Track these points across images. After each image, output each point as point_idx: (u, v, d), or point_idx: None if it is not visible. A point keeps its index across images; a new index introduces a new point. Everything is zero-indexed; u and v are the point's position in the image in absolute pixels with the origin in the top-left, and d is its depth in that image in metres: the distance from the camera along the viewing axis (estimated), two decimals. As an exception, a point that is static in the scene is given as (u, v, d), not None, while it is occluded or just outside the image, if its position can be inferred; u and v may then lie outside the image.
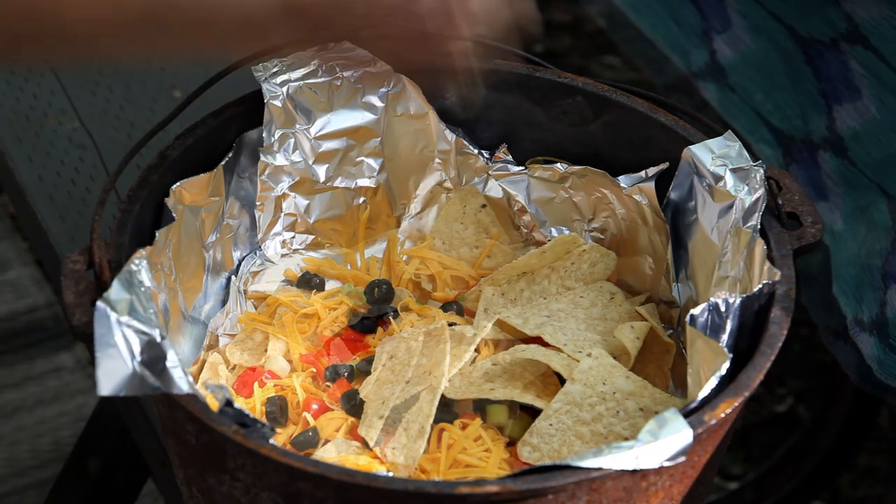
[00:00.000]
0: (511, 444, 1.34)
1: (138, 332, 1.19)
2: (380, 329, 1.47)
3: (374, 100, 1.52)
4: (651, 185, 1.47)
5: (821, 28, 1.71)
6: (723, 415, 1.20)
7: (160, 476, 1.62)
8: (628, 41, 2.05)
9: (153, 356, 1.18)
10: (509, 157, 1.55)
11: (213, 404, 1.22)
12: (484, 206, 1.55)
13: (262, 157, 1.47)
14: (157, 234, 1.34)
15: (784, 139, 1.79)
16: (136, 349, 1.18)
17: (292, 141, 1.49)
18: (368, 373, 1.40)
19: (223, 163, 1.44)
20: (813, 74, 1.75)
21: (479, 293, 1.49)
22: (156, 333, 1.19)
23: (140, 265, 1.25)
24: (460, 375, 1.38)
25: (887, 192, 1.68)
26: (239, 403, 1.29)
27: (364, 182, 1.55)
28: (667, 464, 1.17)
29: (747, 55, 1.85)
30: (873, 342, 1.65)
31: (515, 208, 1.55)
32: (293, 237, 1.53)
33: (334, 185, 1.54)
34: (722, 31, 1.87)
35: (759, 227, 1.35)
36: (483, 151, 1.55)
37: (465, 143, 1.54)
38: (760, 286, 1.29)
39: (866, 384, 1.64)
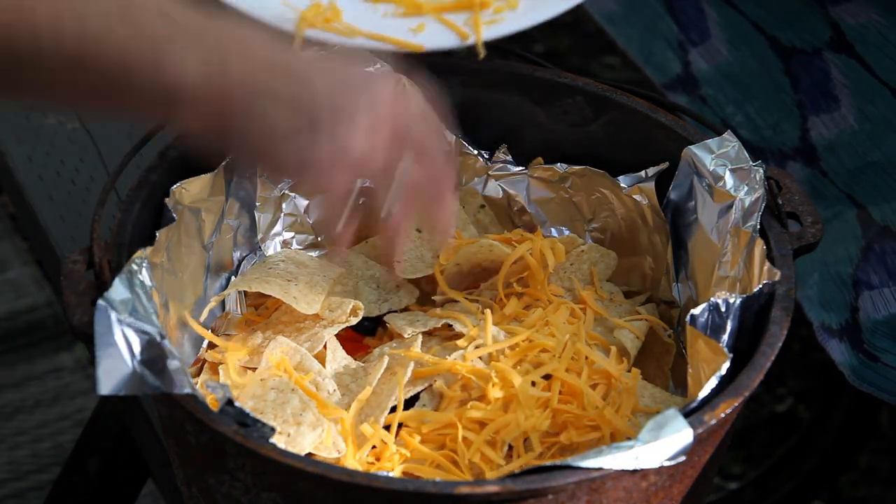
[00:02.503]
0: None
1: (139, 331, 1.19)
2: (379, 330, 1.47)
3: (374, 100, 1.51)
4: (651, 184, 1.47)
5: (804, 37, 1.72)
6: (723, 415, 1.20)
7: (160, 476, 1.62)
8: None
9: (153, 355, 1.18)
10: (509, 158, 1.55)
11: (213, 404, 1.22)
12: (483, 206, 1.55)
13: (262, 157, 1.47)
14: (157, 234, 1.34)
15: (752, 151, 1.81)
16: (137, 348, 1.18)
17: (292, 141, 1.49)
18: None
19: (223, 163, 1.44)
20: (790, 85, 1.76)
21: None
22: (156, 333, 1.19)
23: (140, 265, 1.25)
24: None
25: (857, 201, 1.69)
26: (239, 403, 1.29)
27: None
28: (667, 463, 1.17)
29: (723, 67, 1.86)
30: (844, 348, 1.65)
31: (515, 209, 1.55)
32: (293, 237, 1.53)
33: (334, 185, 1.53)
34: (699, 43, 1.89)
35: (758, 227, 1.35)
36: (483, 152, 1.55)
37: (465, 143, 1.54)
38: (760, 286, 1.29)
39: (861, 382, 1.64)
